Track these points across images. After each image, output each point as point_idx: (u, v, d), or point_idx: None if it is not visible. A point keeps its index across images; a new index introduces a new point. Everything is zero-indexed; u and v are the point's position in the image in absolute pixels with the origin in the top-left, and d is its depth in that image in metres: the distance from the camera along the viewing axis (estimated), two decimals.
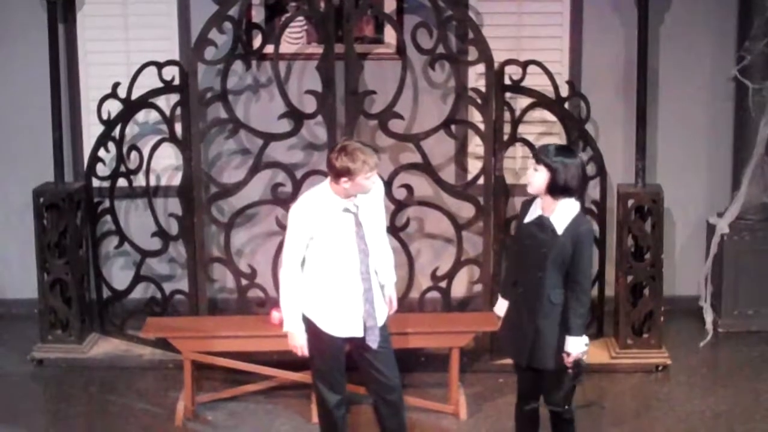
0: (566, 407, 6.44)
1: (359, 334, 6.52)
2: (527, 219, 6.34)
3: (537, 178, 6.23)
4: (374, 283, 6.54)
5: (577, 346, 6.25)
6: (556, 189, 6.19)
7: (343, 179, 6.32)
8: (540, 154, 6.22)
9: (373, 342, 6.53)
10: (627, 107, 8.83)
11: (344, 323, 6.52)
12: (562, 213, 6.23)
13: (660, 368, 8.32)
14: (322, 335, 6.53)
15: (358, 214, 6.42)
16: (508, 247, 8.14)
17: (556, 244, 6.20)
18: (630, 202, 8.35)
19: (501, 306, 6.61)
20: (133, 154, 8.61)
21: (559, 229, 6.21)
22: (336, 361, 6.61)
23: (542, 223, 6.26)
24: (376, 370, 6.62)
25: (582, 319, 6.28)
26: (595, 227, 8.48)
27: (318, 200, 6.43)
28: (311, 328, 6.54)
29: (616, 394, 8.03)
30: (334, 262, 6.43)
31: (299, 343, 6.49)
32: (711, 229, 8.98)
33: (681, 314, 9.01)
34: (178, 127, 8.43)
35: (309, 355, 6.60)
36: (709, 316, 8.86)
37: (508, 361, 8.28)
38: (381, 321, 6.60)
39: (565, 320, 6.25)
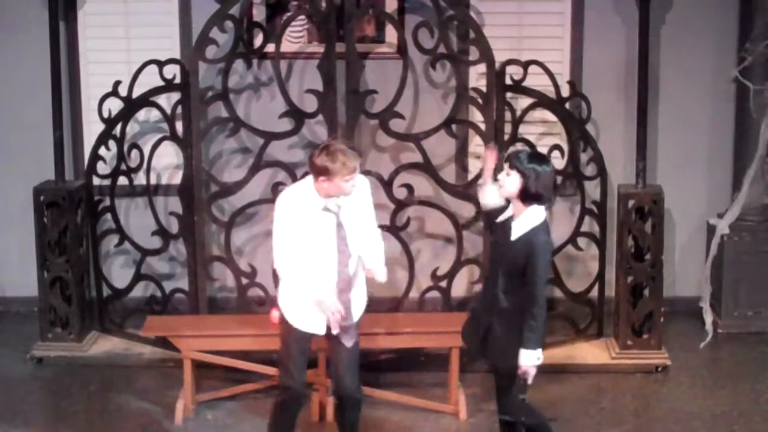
0: (521, 419, 6.41)
1: (321, 332, 6.54)
2: (501, 217, 6.31)
3: (509, 182, 6.18)
4: (352, 284, 6.52)
5: (527, 358, 6.17)
6: (527, 195, 6.15)
7: (322, 178, 6.30)
8: (513, 160, 6.18)
9: (348, 341, 6.55)
10: (628, 108, 8.83)
11: (310, 319, 6.53)
12: (524, 220, 6.18)
13: (660, 369, 8.32)
14: (288, 324, 6.58)
15: (339, 214, 6.39)
16: None
17: (509, 249, 6.18)
18: (630, 203, 8.35)
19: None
20: (134, 153, 8.62)
21: (514, 236, 6.18)
22: (295, 352, 6.60)
23: (505, 225, 6.25)
24: (336, 366, 6.65)
25: (534, 332, 6.14)
26: (596, 228, 8.52)
27: (301, 194, 6.42)
28: (281, 314, 6.59)
29: (615, 394, 8.03)
30: (311, 259, 6.41)
31: (333, 308, 6.40)
32: (711, 230, 8.98)
33: (681, 315, 9.01)
34: (179, 126, 8.43)
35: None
36: (709, 317, 8.86)
37: None
38: (356, 318, 6.61)
39: (521, 330, 6.19)
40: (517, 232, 6.19)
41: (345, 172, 6.26)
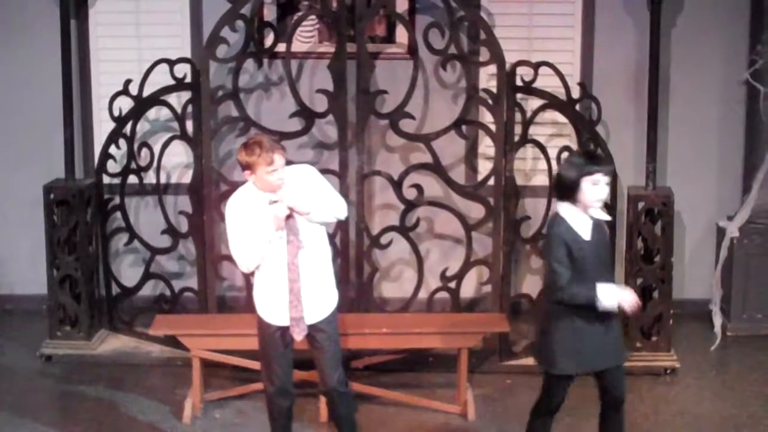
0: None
1: (287, 323, 6.58)
2: (586, 236, 6.17)
3: (607, 192, 6.19)
4: (305, 276, 6.52)
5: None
6: None
7: (246, 173, 6.42)
8: (612, 166, 6.17)
9: (297, 334, 6.57)
10: (638, 109, 8.83)
11: (276, 312, 6.57)
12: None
13: (669, 371, 8.31)
14: (260, 321, 6.64)
15: (287, 203, 6.42)
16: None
17: (606, 246, 6.27)
18: (640, 205, 8.34)
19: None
20: (144, 151, 8.63)
21: (605, 216, 6.23)
22: (273, 350, 6.64)
23: (599, 224, 6.23)
24: (318, 364, 6.70)
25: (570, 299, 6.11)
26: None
27: (245, 195, 6.51)
28: (257, 315, 6.66)
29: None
30: (267, 252, 6.49)
31: (283, 213, 6.42)
32: (721, 232, 8.97)
33: (690, 318, 9.00)
34: (189, 125, 8.44)
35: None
36: (718, 320, 8.84)
37: (517, 362, 8.38)
38: (316, 317, 6.60)
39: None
40: (604, 216, 6.20)
41: (264, 164, 6.33)
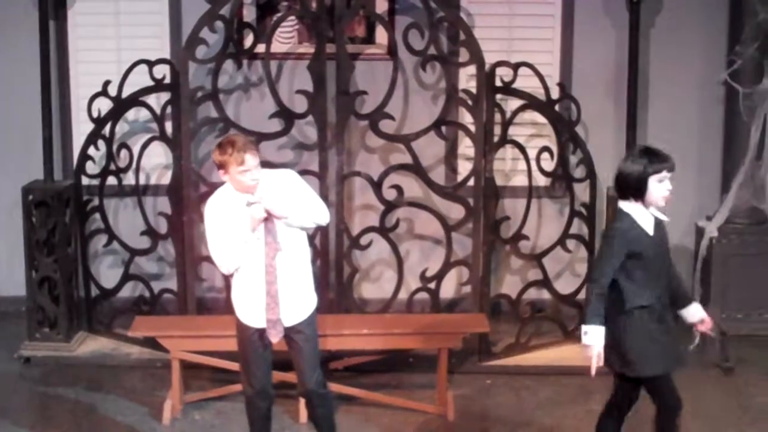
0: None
1: (264, 325, 6.58)
2: (651, 231, 6.16)
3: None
4: (282, 279, 6.51)
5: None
6: None
7: (222, 172, 6.44)
8: (673, 162, 6.12)
9: (274, 336, 6.57)
10: (617, 110, 8.85)
11: (253, 313, 6.57)
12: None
13: None
14: (239, 322, 6.65)
15: (264, 205, 6.41)
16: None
17: (666, 246, 6.23)
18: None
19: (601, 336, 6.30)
20: (123, 153, 8.61)
21: (664, 217, 6.21)
22: (251, 352, 6.64)
23: (661, 226, 6.21)
24: (296, 365, 6.71)
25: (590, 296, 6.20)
26: (584, 229, 8.54)
27: (223, 196, 6.52)
28: (236, 317, 6.67)
29: (604, 395, 7.97)
30: (246, 254, 6.49)
31: (259, 214, 6.41)
32: (700, 232, 9.00)
33: None
34: (169, 126, 8.42)
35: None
36: None
37: (497, 362, 8.39)
38: (294, 319, 6.59)
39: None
40: (662, 216, 6.19)
41: (235, 164, 6.33)
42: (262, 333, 6.60)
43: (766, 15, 8.57)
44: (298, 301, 6.61)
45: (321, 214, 6.63)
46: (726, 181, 8.93)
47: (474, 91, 8.29)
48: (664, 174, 6.06)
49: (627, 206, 6.14)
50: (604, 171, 8.73)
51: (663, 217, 6.21)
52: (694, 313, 6.38)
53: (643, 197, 6.09)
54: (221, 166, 6.42)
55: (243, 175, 6.37)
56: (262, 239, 6.46)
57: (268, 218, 6.43)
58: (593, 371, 6.23)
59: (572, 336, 8.63)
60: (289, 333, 6.61)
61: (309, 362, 6.67)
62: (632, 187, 6.09)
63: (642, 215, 6.14)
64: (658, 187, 6.06)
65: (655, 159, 6.08)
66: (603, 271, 6.12)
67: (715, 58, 8.96)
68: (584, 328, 6.20)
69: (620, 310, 6.17)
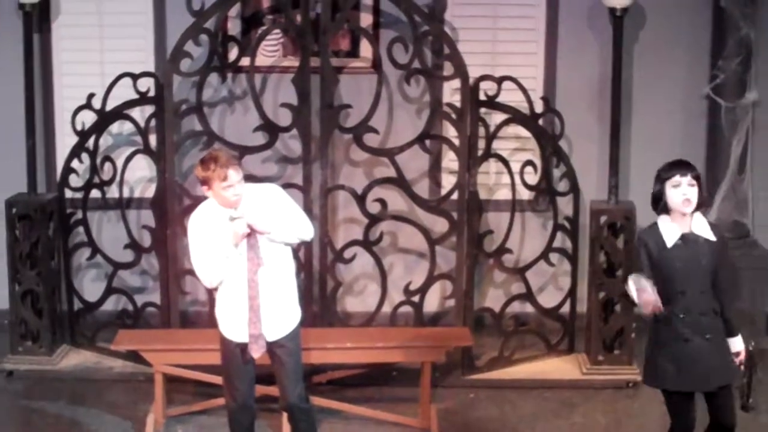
0: None
1: (246, 340, 6.58)
2: (669, 243, 6.18)
3: (695, 192, 6.16)
4: (265, 293, 6.52)
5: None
6: (702, 200, 6.23)
7: (205, 188, 6.46)
8: (694, 170, 6.16)
9: (255, 351, 6.58)
10: (601, 124, 8.87)
11: (236, 328, 6.58)
12: (702, 221, 6.23)
13: (631, 384, 8.34)
14: (222, 336, 6.66)
15: (247, 221, 6.42)
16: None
17: (704, 256, 6.19)
18: (602, 219, 8.38)
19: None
20: (107, 166, 8.60)
21: (711, 236, 6.20)
22: (234, 366, 6.66)
23: (688, 239, 6.19)
24: (279, 379, 6.71)
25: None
26: (568, 243, 8.55)
27: (206, 211, 6.53)
28: (219, 330, 6.68)
29: (587, 409, 8.05)
30: (229, 268, 6.50)
31: (241, 229, 6.41)
32: None
33: None
34: (153, 139, 8.42)
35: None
36: None
37: (480, 376, 8.39)
38: (277, 334, 6.60)
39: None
40: (708, 235, 6.20)
41: (218, 180, 6.36)
42: (244, 347, 6.60)
43: (748, 30, 8.62)
44: (281, 316, 6.61)
45: (305, 230, 6.64)
46: (709, 194, 8.94)
47: (458, 104, 8.31)
48: (677, 179, 6.12)
49: (658, 219, 6.24)
50: (588, 185, 8.78)
51: (708, 235, 6.20)
52: (732, 344, 6.35)
53: (667, 208, 6.17)
54: (204, 182, 6.43)
55: (226, 191, 6.38)
56: (244, 254, 6.46)
57: (251, 233, 6.43)
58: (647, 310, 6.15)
59: (555, 349, 8.66)
60: (272, 347, 6.61)
61: (291, 376, 6.67)
62: (655, 199, 6.22)
63: (667, 228, 6.19)
64: (674, 192, 6.12)
65: (668, 166, 6.23)
66: (639, 266, 6.23)
67: (697, 72, 9.00)
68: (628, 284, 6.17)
69: (653, 319, 6.25)
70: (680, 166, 6.20)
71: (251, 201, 6.48)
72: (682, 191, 6.12)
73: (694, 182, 6.14)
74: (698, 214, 6.22)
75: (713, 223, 6.33)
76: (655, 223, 6.25)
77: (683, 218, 6.17)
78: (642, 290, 6.10)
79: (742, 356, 6.37)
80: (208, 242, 6.46)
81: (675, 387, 6.28)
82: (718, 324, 6.25)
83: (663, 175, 6.19)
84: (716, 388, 6.28)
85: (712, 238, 6.21)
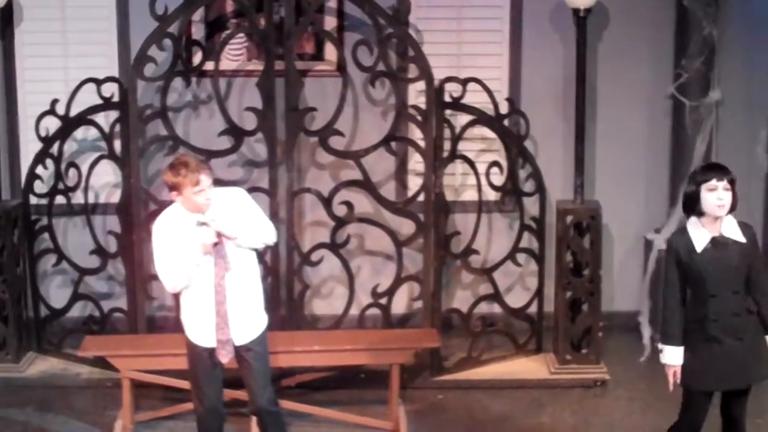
0: None
1: (214, 344, 6.58)
2: (699, 248, 6.20)
3: (729, 196, 6.17)
4: (232, 298, 6.52)
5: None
6: (735, 204, 6.24)
7: (173, 194, 6.45)
8: (729, 174, 6.17)
9: (223, 357, 6.58)
10: (566, 124, 8.90)
11: (203, 333, 6.59)
12: (733, 224, 6.25)
13: (598, 383, 8.37)
14: (189, 341, 6.67)
15: (214, 226, 6.42)
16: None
17: (736, 257, 6.21)
18: (569, 219, 8.41)
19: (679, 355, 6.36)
20: (72, 171, 8.56)
21: (741, 238, 6.22)
22: (202, 370, 6.66)
23: (718, 242, 6.20)
24: (247, 383, 6.72)
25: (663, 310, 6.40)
26: (535, 243, 8.58)
27: (173, 216, 6.53)
28: (186, 335, 6.68)
29: (555, 409, 8.07)
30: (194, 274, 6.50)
31: (210, 239, 6.42)
32: (648, 245, 9.06)
33: (619, 330, 9.06)
34: (117, 144, 8.38)
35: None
36: (647, 332, 8.91)
37: (449, 377, 8.40)
38: (245, 338, 6.60)
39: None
40: (738, 236, 6.21)
41: (189, 185, 6.36)
42: (212, 352, 6.59)
43: (711, 29, 8.66)
44: (249, 320, 6.61)
45: (269, 234, 6.65)
46: (674, 193, 8.99)
47: (423, 106, 8.32)
48: (714, 183, 6.12)
49: (688, 223, 6.27)
50: (553, 185, 8.81)
51: (738, 237, 6.23)
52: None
53: (700, 211, 6.18)
54: (174, 187, 6.41)
55: (198, 196, 6.38)
56: (211, 259, 6.45)
57: (218, 239, 6.42)
58: (671, 387, 6.38)
59: (523, 349, 8.68)
60: (240, 351, 6.60)
61: (260, 380, 6.66)
62: (688, 201, 6.22)
63: (696, 231, 6.22)
64: (709, 196, 6.13)
65: (704, 169, 6.25)
66: (669, 282, 6.29)
67: (661, 71, 9.03)
68: (660, 346, 6.36)
69: (686, 319, 6.30)
70: (716, 169, 6.22)
71: (218, 205, 6.47)
72: (717, 195, 6.13)
73: (729, 186, 6.17)
74: (729, 217, 6.24)
75: (744, 223, 6.33)
76: (685, 228, 6.26)
77: (715, 222, 6.19)
78: (671, 368, 6.30)
79: (670, 377, 6.41)
80: (173, 247, 6.45)
81: (703, 387, 6.33)
82: (752, 324, 6.29)
83: (699, 178, 6.19)
84: (744, 387, 6.33)
85: (742, 239, 6.24)
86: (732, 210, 6.22)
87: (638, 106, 9.11)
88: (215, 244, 6.42)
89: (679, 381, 6.36)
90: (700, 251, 6.19)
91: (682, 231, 6.29)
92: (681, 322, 6.29)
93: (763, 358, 6.34)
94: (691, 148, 8.81)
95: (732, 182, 6.17)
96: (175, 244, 6.43)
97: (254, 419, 7.04)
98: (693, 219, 6.25)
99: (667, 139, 9.13)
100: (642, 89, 9.09)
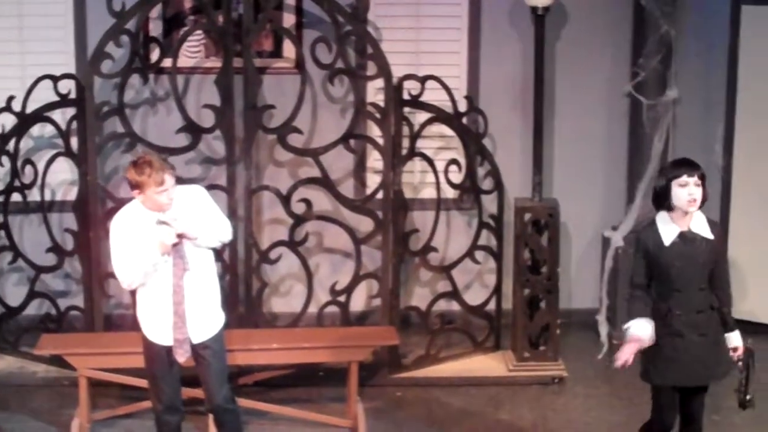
0: None
1: (170, 343, 6.58)
2: (667, 242, 6.26)
3: (700, 192, 6.22)
4: (190, 297, 6.52)
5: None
6: (704, 199, 6.29)
7: (135, 192, 6.43)
8: (699, 170, 6.22)
9: (180, 356, 6.58)
10: (524, 122, 8.92)
11: (161, 332, 6.57)
12: (702, 220, 6.30)
13: (556, 380, 8.41)
14: (146, 340, 6.65)
15: (175, 226, 6.41)
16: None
17: (703, 254, 6.26)
18: (527, 216, 8.44)
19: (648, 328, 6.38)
20: (28, 169, 8.49)
21: (709, 235, 6.28)
22: (159, 369, 6.65)
23: (686, 237, 6.26)
24: (204, 381, 6.71)
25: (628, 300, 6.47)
26: (493, 241, 8.60)
27: (132, 213, 6.50)
28: (142, 332, 6.66)
29: (513, 406, 8.10)
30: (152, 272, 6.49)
31: (170, 240, 6.40)
32: (606, 242, 9.09)
33: (577, 327, 9.11)
34: (74, 141, 8.33)
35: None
36: (604, 329, 8.94)
37: (407, 374, 8.41)
38: (202, 336, 6.60)
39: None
40: (706, 233, 6.26)
41: (153, 185, 6.34)
42: (170, 350, 6.57)
43: (668, 28, 8.71)
44: (206, 319, 6.59)
45: (226, 232, 6.64)
46: (631, 191, 9.04)
47: (382, 104, 8.32)
48: (685, 179, 6.19)
49: (657, 217, 6.32)
50: (512, 182, 8.84)
51: (706, 234, 6.28)
52: (730, 340, 6.46)
53: (670, 206, 6.24)
54: (137, 186, 6.37)
55: (161, 195, 6.36)
56: (170, 259, 6.42)
57: (179, 239, 6.40)
58: (620, 361, 6.36)
59: (481, 346, 8.70)
60: (197, 349, 6.58)
61: (217, 378, 6.64)
62: (658, 195, 6.29)
63: (665, 226, 6.28)
64: (680, 191, 6.19)
65: (675, 165, 6.32)
66: (635, 272, 6.36)
67: (619, 70, 9.08)
68: (625, 326, 6.35)
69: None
70: (687, 165, 6.27)
71: (178, 204, 6.44)
72: (689, 191, 6.19)
73: (700, 182, 6.23)
74: (699, 213, 6.30)
75: (712, 220, 6.39)
76: (654, 221, 6.32)
77: (684, 216, 6.25)
78: (635, 340, 6.27)
79: (740, 351, 6.47)
80: (131, 245, 6.42)
81: (665, 382, 6.38)
82: (714, 321, 6.35)
83: (670, 173, 6.26)
84: (706, 383, 6.40)
85: (710, 236, 6.30)
86: (702, 205, 6.28)
87: (596, 105, 9.15)
88: (174, 245, 6.40)
89: (640, 374, 6.44)
90: (668, 245, 6.25)
91: (650, 224, 6.34)
92: (649, 303, 6.33)
93: (723, 356, 6.41)
94: (649, 146, 8.85)
95: (702, 177, 6.23)
96: (133, 242, 6.41)
97: (211, 417, 7.02)
98: (662, 213, 6.30)
99: (624, 137, 9.17)
100: (600, 88, 9.13)
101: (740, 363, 6.52)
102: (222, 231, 6.61)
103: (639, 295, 6.35)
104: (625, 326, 6.36)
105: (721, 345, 6.40)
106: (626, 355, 6.32)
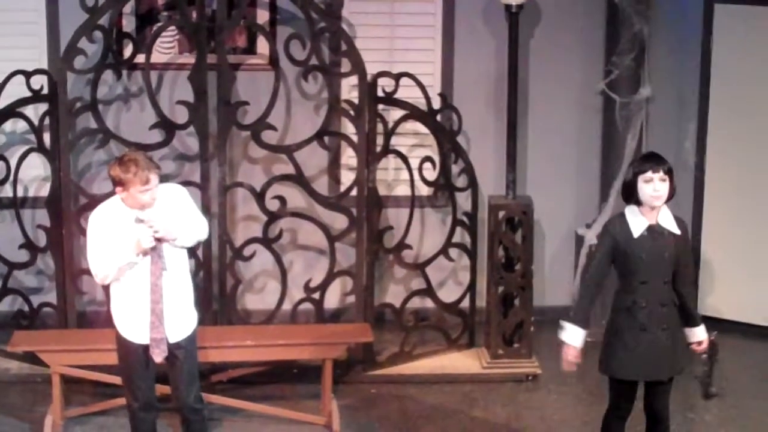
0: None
1: (147, 341, 6.56)
2: (636, 234, 6.33)
3: (665, 187, 6.28)
4: (166, 297, 6.51)
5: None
6: (672, 194, 6.36)
7: (119, 189, 6.40)
8: (666, 165, 6.29)
9: (158, 356, 6.57)
10: (498, 120, 8.94)
11: (137, 330, 6.55)
12: (668, 215, 6.38)
13: (530, 377, 8.43)
14: (120, 337, 6.62)
15: (153, 225, 6.39)
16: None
17: (669, 248, 6.33)
18: (501, 214, 8.45)
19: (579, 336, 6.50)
20: (0, 165, 8.44)
21: (676, 230, 6.36)
22: (135, 367, 6.63)
23: (654, 230, 6.33)
24: (174, 380, 6.71)
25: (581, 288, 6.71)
26: (467, 238, 8.61)
27: (111, 210, 6.48)
28: (116, 330, 6.64)
29: (487, 403, 8.11)
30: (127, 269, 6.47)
31: (148, 243, 6.38)
32: (580, 240, 9.12)
33: (551, 325, 8.99)
34: (47, 137, 8.28)
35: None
36: None
37: (381, 372, 8.41)
38: (178, 336, 6.59)
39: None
40: (673, 228, 6.35)
41: (138, 183, 6.32)
42: (146, 348, 6.55)
43: (641, 26, 8.74)
44: (182, 318, 6.58)
45: (202, 231, 6.64)
46: (604, 189, 9.07)
47: (356, 101, 8.31)
48: (650, 174, 6.25)
49: (626, 209, 6.39)
50: (486, 180, 8.85)
51: (673, 229, 6.37)
52: (695, 334, 6.56)
53: (638, 200, 6.32)
54: (121, 183, 6.34)
55: (144, 194, 6.34)
56: (147, 258, 6.40)
57: (156, 242, 6.38)
58: (565, 367, 6.54)
59: (455, 344, 8.70)
60: (171, 349, 6.57)
61: (188, 378, 6.64)
62: (625, 190, 6.38)
63: (634, 218, 6.35)
64: (645, 187, 6.27)
65: (642, 160, 6.39)
66: (593, 264, 6.46)
67: (592, 68, 9.10)
68: (562, 323, 6.45)
69: (612, 308, 6.46)
70: (653, 160, 6.34)
71: (159, 203, 6.42)
72: (654, 187, 6.27)
73: (666, 177, 6.29)
74: (665, 207, 6.39)
75: (678, 217, 6.48)
76: (623, 213, 6.40)
77: (651, 211, 6.33)
78: (569, 348, 6.42)
79: (705, 345, 6.59)
80: (108, 240, 6.39)
81: (626, 376, 6.44)
82: (675, 315, 6.44)
83: (636, 168, 6.33)
84: (666, 378, 6.45)
85: (677, 231, 6.39)
86: (669, 200, 6.35)
87: (569, 102, 9.18)
88: (153, 248, 6.38)
89: (599, 366, 6.51)
90: (637, 237, 6.32)
91: (620, 216, 6.41)
92: (591, 305, 6.49)
93: (681, 350, 6.50)
94: (622, 144, 8.88)
95: (669, 173, 6.28)
96: (111, 238, 6.38)
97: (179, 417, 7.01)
98: (632, 206, 6.39)
99: (597, 135, 9.20)
100: (573, 85, 9.16)
101: (704, 356, 6.60)
102: (199, 230, 6.61)
103: (589, 293, 6.48)
104: (563, 324, 6.48)
105: (679, 340, 6.49)
106: (570, 365, 6.53)
